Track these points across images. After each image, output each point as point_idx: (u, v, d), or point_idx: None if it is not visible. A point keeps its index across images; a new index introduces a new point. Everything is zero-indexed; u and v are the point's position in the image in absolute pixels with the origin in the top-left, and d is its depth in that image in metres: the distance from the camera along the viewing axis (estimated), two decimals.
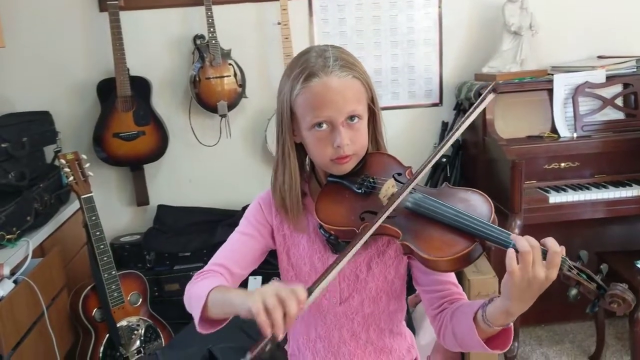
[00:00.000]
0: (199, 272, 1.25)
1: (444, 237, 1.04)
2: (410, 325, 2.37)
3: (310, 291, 0.95)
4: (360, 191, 1.18)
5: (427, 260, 1.03)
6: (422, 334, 2.37)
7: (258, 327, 0.88)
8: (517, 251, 0.95)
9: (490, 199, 1.08)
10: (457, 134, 1.14)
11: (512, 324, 1.06)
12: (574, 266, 0.97)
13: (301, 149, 1.24)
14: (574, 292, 0.96)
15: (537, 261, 0.94)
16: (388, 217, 1.09)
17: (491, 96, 1.11)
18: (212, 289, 1.09)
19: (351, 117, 1.14)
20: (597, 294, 0.96)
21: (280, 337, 0.89)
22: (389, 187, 1.16)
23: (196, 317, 1.11)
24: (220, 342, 2.06)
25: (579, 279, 0.96)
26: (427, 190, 1.15)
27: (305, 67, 1.14)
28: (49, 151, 2.73)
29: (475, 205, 1.08)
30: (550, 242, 0.96)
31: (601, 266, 0.98)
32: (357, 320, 1.26)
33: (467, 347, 1.12)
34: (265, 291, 0.91)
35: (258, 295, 0.91)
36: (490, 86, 1.13)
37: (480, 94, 2.69)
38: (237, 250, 1.27)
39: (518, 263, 0.95)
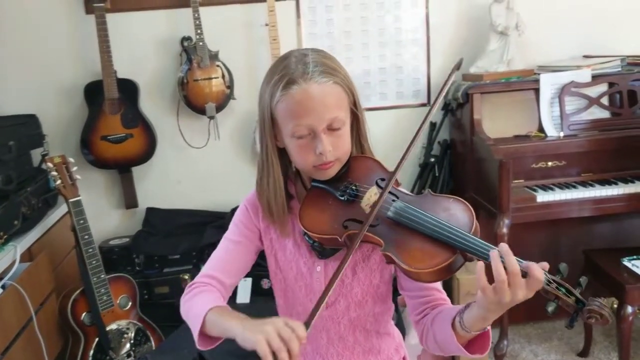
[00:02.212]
0: (190, 284, 1.25)
1: (425, 248, 1.04)
2: (401, 325, 2.38)
3: (307, 325, 0.99)
4: (343, 198, 1.17)
5: (409, 272, 1.03)
6: (413, 334, 2.38)
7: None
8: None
9: (472, 208, 1.08)
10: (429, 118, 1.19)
11: (489, 328, 1.07)
12: (553, 280, 0.96)
13: (285, 153, 1.23)
14: (552, 307, 0.96)
15: (514, 285, 0.93)
16: (371, 225, 1.09)
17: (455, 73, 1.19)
18: (208, 310, 1.10)
19: (332, 124, 1.13)
20: (576, 308, 0.96)
21: None
22: (371, 195, 1.15)
23: (195, 336, 1.13)
24: None
25: (558, 294, 0.95)
26: (410, 198, 1.14)
27: (285, 73, 1.12)
28: (35, 155, 2.71)
29: (456, 214, 1.07)
30: (535, 270, 0.93)
31: (580, 279, 0.98)
32: (344, 323, 1.26)
33: (447, 352, 1.13)
34: (268, 331, 0.94)
35: (261, 335, 0.94)
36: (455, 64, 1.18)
37: (467, 95, 2.73)
38: (227, 259, 1.27)
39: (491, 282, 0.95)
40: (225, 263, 1.27)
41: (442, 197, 1.14)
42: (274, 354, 0.92)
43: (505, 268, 0.93)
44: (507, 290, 0.93)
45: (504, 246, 0.96)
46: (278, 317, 0.99)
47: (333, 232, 1.13)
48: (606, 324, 0.95)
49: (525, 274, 0.94)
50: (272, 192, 1.21)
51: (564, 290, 0.96)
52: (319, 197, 1.21)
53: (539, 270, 0.94)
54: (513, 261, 0.94)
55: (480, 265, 0.96)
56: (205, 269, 1.27)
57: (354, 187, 1.18)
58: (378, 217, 1.10)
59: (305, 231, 1.17)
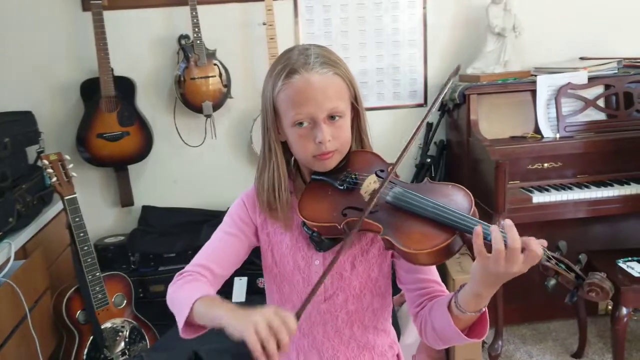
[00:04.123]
0: (180, 272, 1.24)
1: (423, 230, 1.05)
2: (396, 324, 2.38)
3: (297, 316, 0.97)
4: (342, 187, 1.18)
5: (408, 254, 1.04)
6: (408, 334, 2.38)
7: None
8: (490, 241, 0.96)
9: (470, 193, 1.09)
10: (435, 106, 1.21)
11: (485, 309, 1.08)
12: (552, 256, 0.97)
13: (286, 148, 1.24)
14: (552, 282, 0.96)
15: (511, 259, 0.94)
16: (370, 212, 1.10)
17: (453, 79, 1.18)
18: (197, 299, 1.09)
19: (333, 114, 1.15)
20: (576, 283, 0.96)
21: None
22: (370, 182, 1.17)
23: (180, 324, 1.12)
24: (205, 343, 2.05)
25: (558, 269, 0.97)
26: (409, 185, 1.16)
27: (287, 64, 1.15)
28: (31, 152, 2.70)
29: (455, 198, 1.09)
30: (533, 244, 0.94)
31: (580, 256, 0.99)
32: (341, 317, 1.27)
33: (446, 340, 1.14)
34: (257, 321, 0.92)
35: (250, 325, 0.92)
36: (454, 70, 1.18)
37: (464, 95, 2.73)
38: (220, 250, 1.27)
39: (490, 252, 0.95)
40: (218, 253, 1.26)
41: (441, 184, 1.15)
42: (262, 344, 0.91)
43: (505, 242, 0.94)
44: (503, 262, 0.94)
45: (508, 221, 0.97)
46: (269, 306, 0.98)
47: (332, 220, 1.14)
48: (606, 299, 0.95)
49: (523, 249, 0.94)
50: (276, 183, 1.22)
51: (563, 266, 0.97)
52: (319, 188, 1.22)
53: (538, 245, 0.95)
54: (515, 237, 0.94)
55: (478, 230, 0.96)
56: (197, 258, 1.26)
57: (353, 176, 1.19)
58: (377, 204, 1.11)
59: (305, 221, 1.18)
